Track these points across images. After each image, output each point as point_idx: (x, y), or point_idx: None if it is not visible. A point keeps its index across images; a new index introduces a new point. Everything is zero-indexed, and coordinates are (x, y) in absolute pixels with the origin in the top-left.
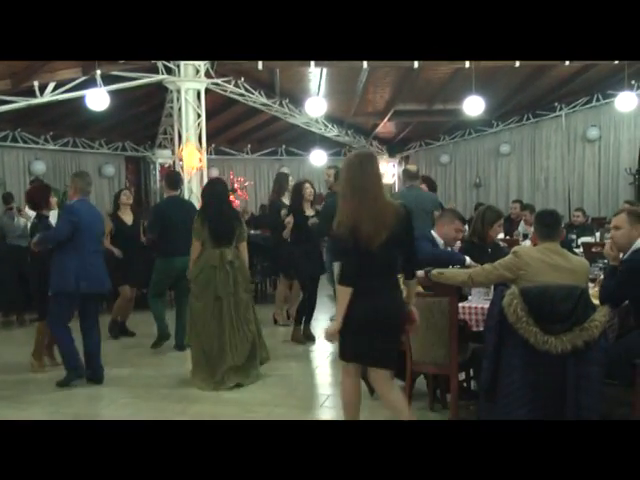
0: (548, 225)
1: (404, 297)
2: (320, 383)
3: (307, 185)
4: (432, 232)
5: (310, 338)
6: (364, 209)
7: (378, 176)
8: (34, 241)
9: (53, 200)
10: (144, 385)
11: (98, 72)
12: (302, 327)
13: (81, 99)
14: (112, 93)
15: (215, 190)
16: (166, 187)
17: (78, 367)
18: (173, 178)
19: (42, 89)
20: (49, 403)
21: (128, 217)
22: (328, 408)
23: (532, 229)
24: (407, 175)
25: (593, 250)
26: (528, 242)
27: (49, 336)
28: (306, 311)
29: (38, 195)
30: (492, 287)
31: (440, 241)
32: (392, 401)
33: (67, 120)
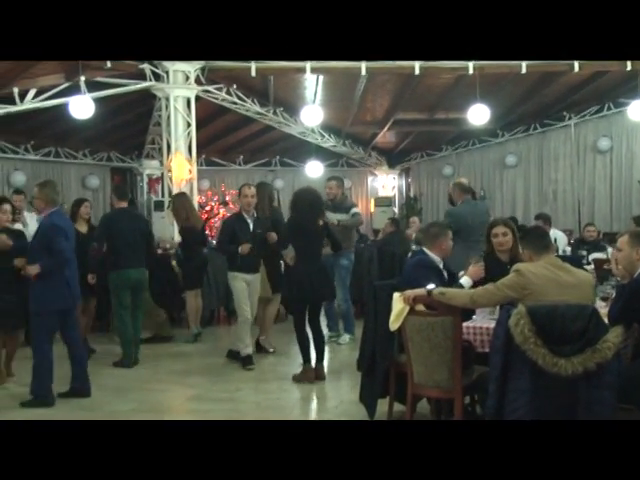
0: (541, 236)
1: None
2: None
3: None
4: (426, 251)
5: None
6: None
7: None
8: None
9: None
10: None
11: (82, 78)
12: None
13: (64, 107)
14: (97, 100)
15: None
16: (115, 198)
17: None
18: (122, 189)
19: (22, 96)
20: None
21: (83, 229)
22: None
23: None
24: (461, 189)
25: (605, 267)
26: None
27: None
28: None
29: None
30: (498, 306)
31: (437, 259)
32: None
33: (49, 129)
